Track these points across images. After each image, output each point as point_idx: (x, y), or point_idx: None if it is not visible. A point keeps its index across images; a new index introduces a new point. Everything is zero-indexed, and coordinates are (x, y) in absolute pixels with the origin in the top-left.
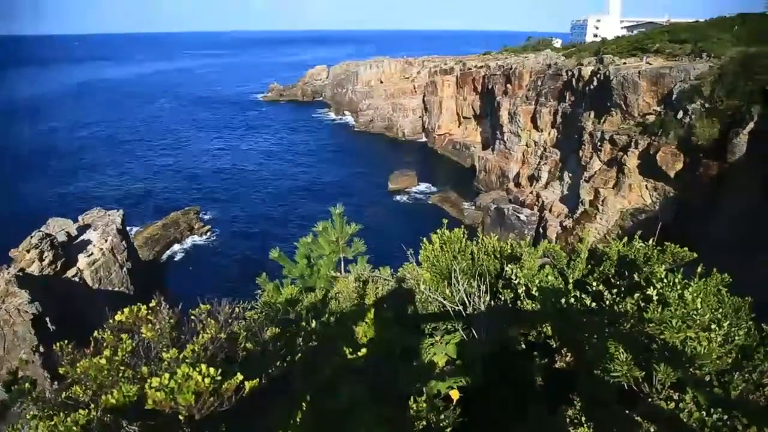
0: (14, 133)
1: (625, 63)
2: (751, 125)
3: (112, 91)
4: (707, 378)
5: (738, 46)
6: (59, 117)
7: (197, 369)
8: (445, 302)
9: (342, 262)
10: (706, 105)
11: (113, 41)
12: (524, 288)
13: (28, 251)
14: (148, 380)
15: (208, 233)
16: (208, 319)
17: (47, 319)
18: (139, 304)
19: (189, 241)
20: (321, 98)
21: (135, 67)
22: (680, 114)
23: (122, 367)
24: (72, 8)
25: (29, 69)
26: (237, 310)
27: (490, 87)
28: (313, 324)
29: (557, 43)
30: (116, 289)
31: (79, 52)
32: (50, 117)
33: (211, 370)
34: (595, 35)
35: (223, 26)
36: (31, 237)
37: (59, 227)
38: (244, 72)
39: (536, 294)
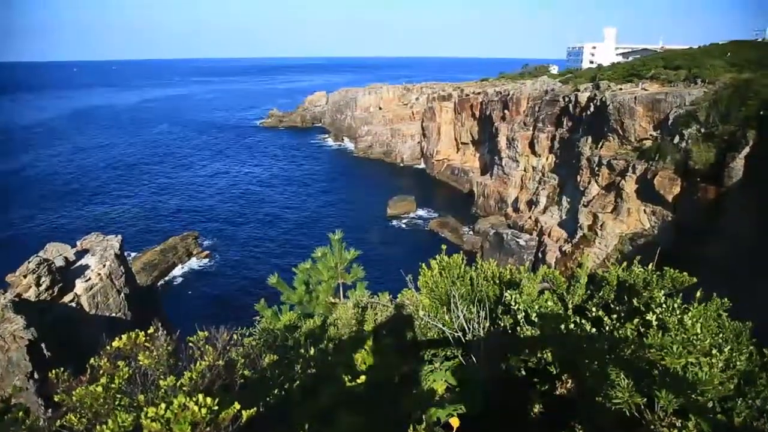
0: (13, 159)
1: (621, 89)
2: (747, 149)
3: (111, 117)
4: (710, 404)
5: (731, 73)
6: (58, 142)
7: (194, 399)
8: (444, 328)
9: (341, 288)
10: (702, 130)
11: (112, 67)
12: (524, 314)
13: (25, 276)
14: (145, 409)
15: (207, 258)
16: (206, 346)
17: (43, 345)
18: (137, 330)
19: (187, 267)
20: (320, 124)
21: (135, 93)
22: (677, 139)
23: (118, 395)
24: (71, 35)
25: (28, 95)
26: (235, 336)
27: (487, 113)
28: (312, 351)
29: (554, 69)
30: (113, 314)
31: (78, 78)
32: (49, 142)
33: (208, 400)
34: (591, 61)
35: (224, 53)
36: (29, 262)
37: (57, 252)
38: (244, 98)
39: (536, 320)
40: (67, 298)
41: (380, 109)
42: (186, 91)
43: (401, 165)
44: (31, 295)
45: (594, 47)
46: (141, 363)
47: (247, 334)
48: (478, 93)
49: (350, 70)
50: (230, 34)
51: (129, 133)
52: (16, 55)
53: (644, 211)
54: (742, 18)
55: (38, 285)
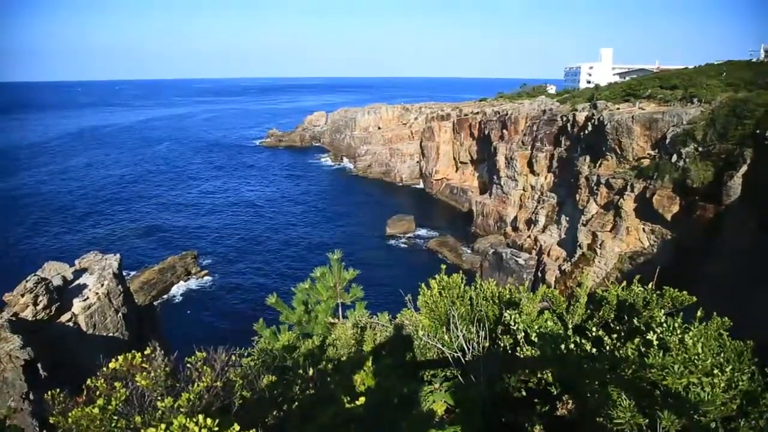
0: (15, 177)
1: (618, 108)
2: (744, 168)
3: (112, 136)
4: (713, 425)
5: (727, 92)
6: (59, 162)
7: (194, 420)
8: (443, 348)
9: (340, 308)
10: (700, 149)
11: (116, 88)
12: (523, 334)
13: (22, 295)
14: (142, 430)
15: (205, 278)
16: (204, 366)
17: (39, 365)
18: (133, 351)
19: (186, 286)
20: (319, 144)
21: (137, 112)
22: (674, 157)
23: (115, 417)
24: (76, 56)
25: (32, 114)
26: (233, 357)
27: (486, 132)
28: (311, 371)
29: (551, 89)
30: (111, 334)
31: (82, 98)
32: (51, 161)
33: (209, 420)
34: (589, 81)
35: (224, 74)
36: (27, 281)
37: (55, 271)
38: (244, 118)
39: (536, 340)
40: (64, 318)
41: (379, 128)
42: (187, 111)
43: (400, 184)
44: (28, 314)
45: (591, 67)
46: (138, 384)
47: (245, 354)
48: (477, 113)
49: (350, 90)
50: (231, 55)
51: (129, 152)
52: (20, 75)
53: (643, 229)
54: (736, 38)
55: (36, 304)
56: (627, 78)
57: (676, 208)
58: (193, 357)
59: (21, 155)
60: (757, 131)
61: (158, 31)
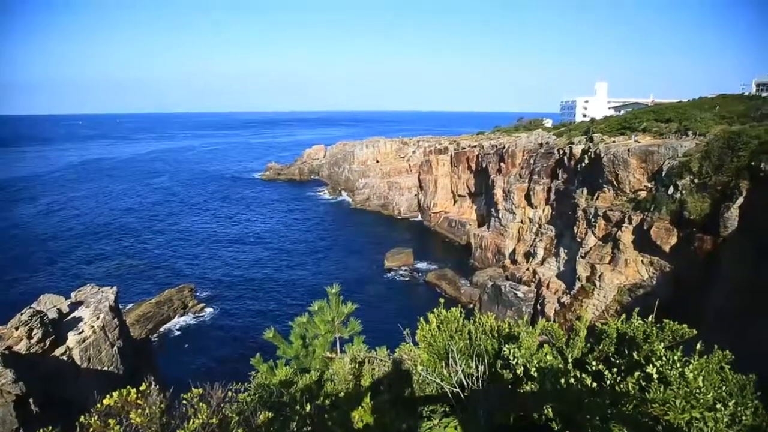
0: (13, 209)
1: (614, 141)
2: (740, 200)
3: (113, 168)
4: None
5: (721, 125)
6: (58, 194)
7: None
8: (442, 384)
9: (338, 342)
10: (696, 180)
11: (117, 121)
12: (523, 368)
13: (17, 328)
14: None
15: (203, 311)
16: (200, 403)
17: (31, 400)
18: (128, 387)
19: (182, 320)
20: (318, 177)
21: (137, 145)
22: (671, 190)
23: None
24: (77, 90)
25: (33, 147)
26: (230, 393)
27: (484, 166)
28: (308, 407)
29: (548, 122)
30: (105, 368)
31: (83, 130)
32: (50, 194)
33: None
34: (584, 115)
35: (224, 107)
36: (22, 314)
37: (51, 304)
38: (243, 151)
39: (535, 374)
40: (58, 351)
41: (377, 162)
42: (187, 144)
43: (398, 217)
44: (22, 347)
45: (586, 101)
46: (133, 421)
47: (242, 389)
48: (474, 146)
49: (348, 124)
50: (231, 89)
51: (129, 184)
52: (22, 109)
53: (642, 261)
54: (728, 73)
55: (30, 337)
56: (622, 111)
57: (674, 240)
58: (188, 393)
59: (21, 187)
60: (752, 163)
61: (159, 66)
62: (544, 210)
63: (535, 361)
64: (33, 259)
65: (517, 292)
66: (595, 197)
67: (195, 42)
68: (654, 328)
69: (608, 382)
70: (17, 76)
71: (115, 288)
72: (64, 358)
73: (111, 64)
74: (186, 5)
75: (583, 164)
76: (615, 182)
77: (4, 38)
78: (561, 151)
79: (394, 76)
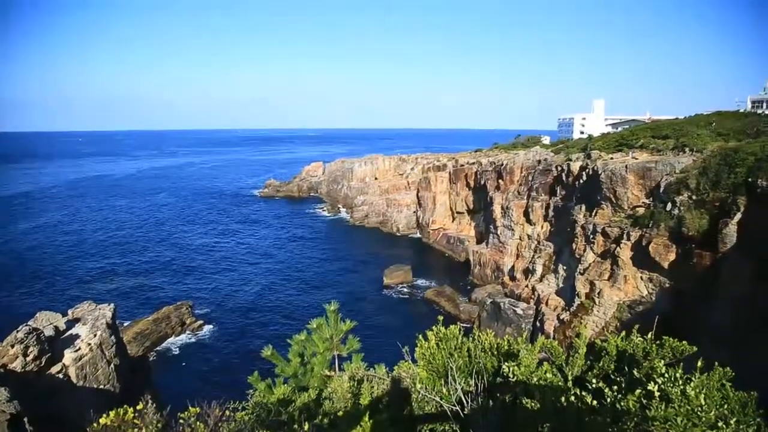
0: (12, 225)
1: (612, 158)
2: (738, 216)
3: (111, 185)
4: None
5: (717, 141)
6: (57, 210)
7: None
8: (442, 402)
9: (336, 360)
10: (693, 197)
11: (117, 137)
12: (522, 386)
13: (12, 346)
14: None
15: (200, 329)
16: (197, 423)
17: (25, 419)
18: (125, 406)
19: (180, 337)
20: (317, 194)
21: (136, 162)
22: (669, 206)
23: None
24: (76, 107)
25: (33, 163)
26: (227, 412)
27: (482, 182)
28: (306, 426)
29: (546, 139)
30: (102, 386)
31: (83, 147)
32: (48, 210)
33: None
34: (582, 132)
35: (223, 125)
36: (17, 331)
37: (47, 321)
38: (242, 168)
39: (535, 392)
40: (54, 369)
41: (376, 179)
42: (186, 161)
43: (397, 234)
44: (17, 365)
45: (584, 118)
46: None
47: (239, 408)
48: (473, 163)
49: (347, 141)
50: (230, 106)
51: (127, 201)
52: (22, 125)
53: (641, 278)
54: (724, 89)
55: (25, 355)
56: (619, 128)
57: (672, 256)
58: (186, 412)
59: (20, 203)
60: (749, 180)
61: (159, 83)
62: (542, 227)
63: (535, 379)
64: (31, 276)
65: (516, 309)
66: (593, 214)
67: (195, 60)
68: (654, 345)
69: (609, 400)
70: (15, 93)
71: (112, 305)
72: (60, 376)
73: (110, 81)
74: (186, 24)
75: (581, 181)
76: (613, 198)
77: (2, 55)
78: (559, 168)
79: (394, 94)
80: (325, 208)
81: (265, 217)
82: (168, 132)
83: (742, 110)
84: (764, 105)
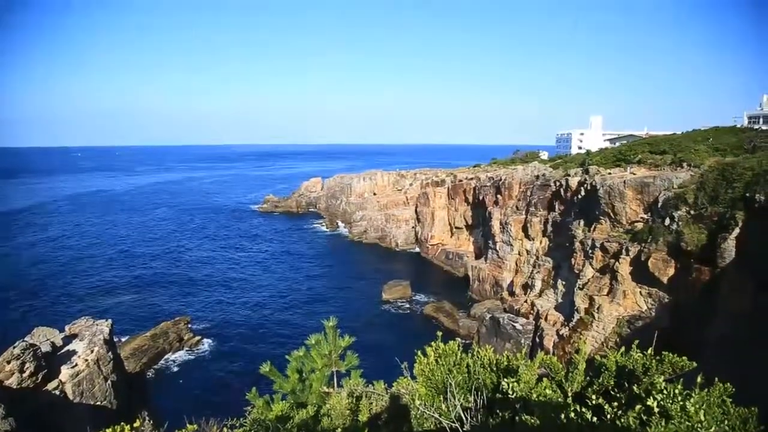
0: (10, 240)
1: (610, 173)
2: (737, 230)
3: (109, 200)
4: None
5: (715, 156)
6: (55, 225)
7: None
8: (441, 418)
9: (335, 376)
10: (692, 212)
11: (116, 153)
12: (522, 402)
13: (8, 362)
14: None
15: (198, 344)
16: None
17: None
18: (122, 423)
19: (178, 353)
20: (315, 209)
21: (135, 177)
22: (667, 221)
23: None
24: (75, 122)
25: (32, 179)
26: (225, 429)
27: (480, 198)
28: None
29: (544, 155)
30: (98, 403)
31: (82, 162)
32: (47, 225)
33: None
34: (580, 147)
35: (222, 140)
36: (14, 347)
37: (44, 337)
38: (241, 184)
39: (535, 409)
40: (51, 386)
41: (375, 194)
42: (185, 176)
43: (396, 249)
44: (13, 382)
45: (582, 134)
46: None
47: (237, 424)
48: (471, 178)
49: (346, 157)
50: (230, 122)
51: (126, 216)
52: (20, 141)
53: (640, 293)
54: (720, 105)
55: (22, 371)
56: (617, 144)
57: (671, 271)
58: (183, 430)
59: (20, 218)
60: (747, 194)
61: (158, 99)
62: (541, 242)
63: (535, 395)
64: (28, 291)
65: (515, 324)
66: (591, 229)
67: (195, 76)
68: (653, 361)
69: (609, 417)
70: (14, 109)
71: (110, 321)
72: (57, 392)
73: (109, 97)
74: (184, 41)
75: (580, 196)
76: (611, 214)
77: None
78: (557, 183)
79: (392, 109)
80: (323, 224)
81: (264, 232)
82: (166, 147)
83: (738, 126)
84: (761, 120)
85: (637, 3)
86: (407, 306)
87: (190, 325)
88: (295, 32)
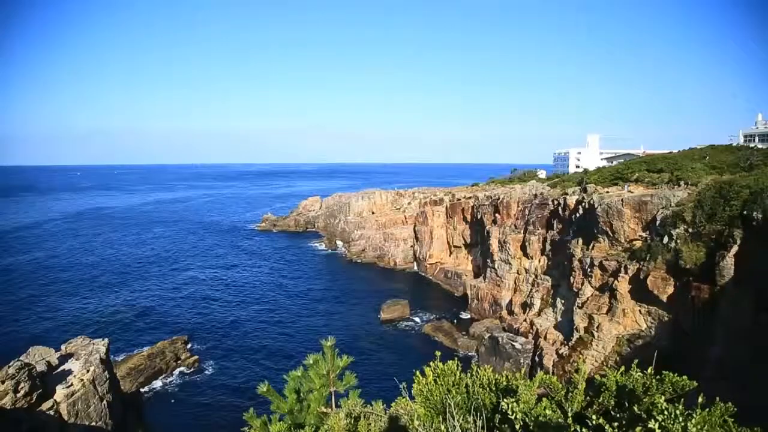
0: (8, 258)
1: (607, 191)
2: (735, 248)
3: (107, 219)
4: None
5: (712, 174)
6: (53, 244)
7: None
8: None
9: (333, 397)
10: (690, 230)
11: (114, 172)
12: (522, 423)
13: (3, 382)
14: None
15: (195, 364)
16: None
17: None
18: None
19: (175, 373)
20: (314, 228)
21: (133, 196)
22: (665, 239)
23: None
24: (75, 142)
25: (31, 197)
26: None
27: (479, 216)
28: None
29: (542, 173)
30: (94, 423)
31: (82, 181)
32: (44, 243)
33: None
34: (577, 166)
35: (221, 159)
36: (9, 366)
37: (40, 356)
38: (239, 202)
39: (535, 429)
40: (45, 406)
41: (373, 213)
42: (184, 195)
43: (394, 268)
44: (7, 402)
45: (579, 152)
46: None
47: None
48: (469, 197)
49: (344, 176)
50: (228, 141)
51: (124, 235)
52: (21, 159)
53: (639, 311)
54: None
55: (16, 391)
56: (614, 162)
57: (670, 289)
58: None
59: (18, 236)
60: (744, 212)
61: (158, 118)
62: (539, 260)
63: (534, 416)
64: (24, 309)
65: (514, 343)
66: (590, 247)
67: (192, 96)
68: (654, 381)
69: None
70: (15, 128)
71: (106, 340)
72: (51, 412)
73: (107, 117)
74: (183, 59)
75: (578, 214)
76: (610, 232)
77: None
78: (555, 202)
79: (391, 129)
80: (322, 243)
81: (262, 251)
82: (164, 166)
83: (734, 144)
84: (756, 139)
85: (637, 20)
86: (406, 325)
87: (187, 345)
88: (292, 46)
